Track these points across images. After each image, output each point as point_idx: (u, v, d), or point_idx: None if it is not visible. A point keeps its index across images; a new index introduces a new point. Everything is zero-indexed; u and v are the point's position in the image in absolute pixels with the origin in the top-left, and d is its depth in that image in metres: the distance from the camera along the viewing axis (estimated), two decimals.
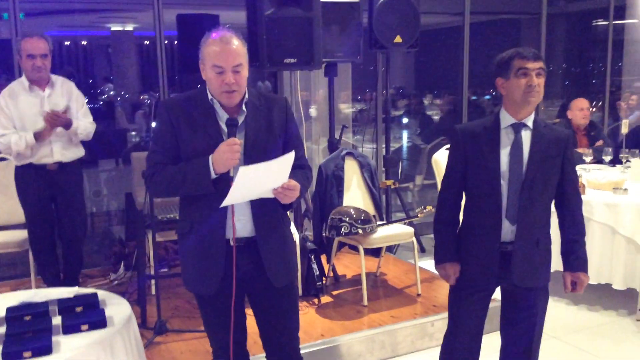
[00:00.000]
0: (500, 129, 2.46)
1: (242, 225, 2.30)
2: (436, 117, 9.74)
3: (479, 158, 2.45)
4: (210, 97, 2.28)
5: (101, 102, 11.34)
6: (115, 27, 11.46)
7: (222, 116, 2.28)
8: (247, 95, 2.31)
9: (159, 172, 2.27)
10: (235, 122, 2.23)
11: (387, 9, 4.73)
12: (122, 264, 4.73)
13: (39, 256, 4.04)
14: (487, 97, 10.69)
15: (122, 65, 11.75)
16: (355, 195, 4.41)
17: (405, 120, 10.20)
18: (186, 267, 2.41)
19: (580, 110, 5.29)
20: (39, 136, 3.81)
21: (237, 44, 2.22)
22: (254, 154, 2.26)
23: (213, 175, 2.19)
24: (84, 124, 4.00)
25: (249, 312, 2.53)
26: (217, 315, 2.42)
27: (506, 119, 2.45)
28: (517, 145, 2.43)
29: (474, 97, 10.25)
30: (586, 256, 2.56)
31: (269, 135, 2.32)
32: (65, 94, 3.96)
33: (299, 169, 2.38)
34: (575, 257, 2.53)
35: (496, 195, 2.43)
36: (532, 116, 2.47)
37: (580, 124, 5.31)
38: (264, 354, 2.60)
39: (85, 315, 2.30)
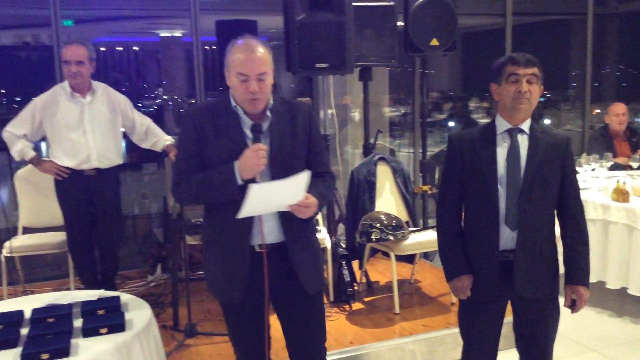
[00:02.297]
0: (497, 134, 2.41)
1: (269, 231, 2.30)
2: (484, 121, 9.54)
3: (476, 164, 2.40)
4: (234, 103, 2.29)
5: (155, 107, 11.60)
6: (164, 33, 11.72)
7: (246, 122, 2.29)
8: (271, 101, 2.31)
9: (185, 180, 2.28)
10: (259, 128, 2.24)
11: (423, 11, 4.65)
12: (159, 266, 4.81)
13: (77, 258, 4.14)
14: (541, 99, 10.42)
15: (171, 70, 12.02)
16: (387, 200, 4.35)
17: (451, 123, 10.04)
18: (211, 274, 2.42)
19: (616, 116, 5.12)
20: (36, 162, 3.97)
21: (262, 52, 2.22)
22: (278, 160, 2.26)
23: (239, 182, 2.19)
24: (159, 131, 4.19)
25: (271, 318, 2.51)
26: (243, 324, 2.42)
27: (502, 124, 2.41)
28: (513, 150, 2.38)
29: None
30: (588, 267, 2.46)
31: (293, 140, 2.32)
32: (106, 101, 4.03)
33: (321, 178, 2.37)
34: (576, 268, 2.44)
35: (493, 201, 2.36)
36: (529, 121, 2.41)
37: (617, 130, 5.13)
38: None
39: (106, 319, 2.33)
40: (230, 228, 2.28)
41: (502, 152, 2.38)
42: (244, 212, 2.15)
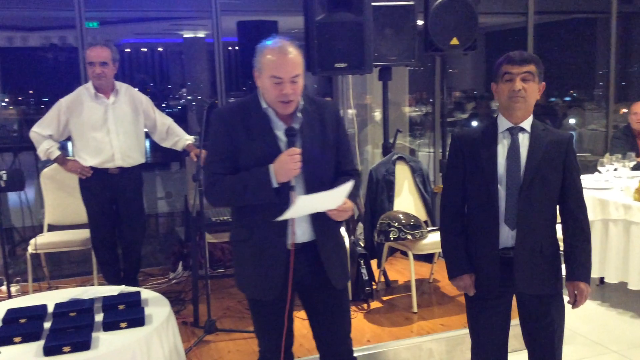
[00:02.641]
0: (498, 133, 2.41)
1: (302, 232, 2.34)
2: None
3: (477, 163, 2.41)
4: (264, 105, 2.29)
5: (179, 107, 11.73)
6: (188, 34, 11.84)
7: (277, 123, 2.30)
8: (301, 102, 2.32)
9: (218, 183, 2.30)
10: (294, 132, 2.26)
11: (443, 10, 4.64)
12: (180, 263, 4.88)
13: (100, 255, 4.22)
14: (567, 98, 10.30)
15: (194, 70, 12.14)
16: (406, 200, 4.36)
17: (474, 123, 9.98)
18: (244, 273, 2.43)
19: (635, 115, 5.07)
20: (61, 162, 4.06)
21: (294, 54, 2.23)
22: (310, 160, 2.27)
23: (275, 185, 2.22)
24: (180, 131, 4.25)
25: (297, 315, 2.56)
26: (272, 319, 2.45)
27: (503, 123, 2.41)
28: (514, 149, 2.37)
29: (552, 99, 9.90)
30: (589, 264, 2.45)
31: (323, 140, 2.35)
32: (129, 101, 4.10)
33: (349, 177, 2.38)
34: (576, 264, 2.43)
35: (493, 200, 2.37)
36: (530, 119, 2.40)
37: (638, 129, 5.09)
38: (312, 357, 2.62)
39: (126, 313, 2.39)
40: (263, 228, 2.31)
41: (502, 151, 2.39)
42: (285, 217, 2.20)
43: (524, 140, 2.39)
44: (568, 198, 2.42)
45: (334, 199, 2.22)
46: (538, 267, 2.40)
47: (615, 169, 4.79)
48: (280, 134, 2.29)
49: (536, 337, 2.51)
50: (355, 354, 3.30)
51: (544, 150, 2.36)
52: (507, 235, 2.39)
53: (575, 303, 2.45)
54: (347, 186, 2.21)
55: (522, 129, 2.39)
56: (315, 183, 2.28)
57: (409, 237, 3.86)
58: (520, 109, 2.34)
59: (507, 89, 2.33)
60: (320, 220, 2.33)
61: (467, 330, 3.60)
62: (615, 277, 4.17)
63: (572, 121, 9.07)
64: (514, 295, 2.54)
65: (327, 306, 2.47)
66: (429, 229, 4.08)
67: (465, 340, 3.62)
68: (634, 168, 4.84)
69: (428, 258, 4.50)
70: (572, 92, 9.97)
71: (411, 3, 4.51)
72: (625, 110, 7.58)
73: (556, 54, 9.99)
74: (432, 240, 3.98)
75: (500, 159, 2.38)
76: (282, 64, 2.18)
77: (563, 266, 2.50)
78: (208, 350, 3.54)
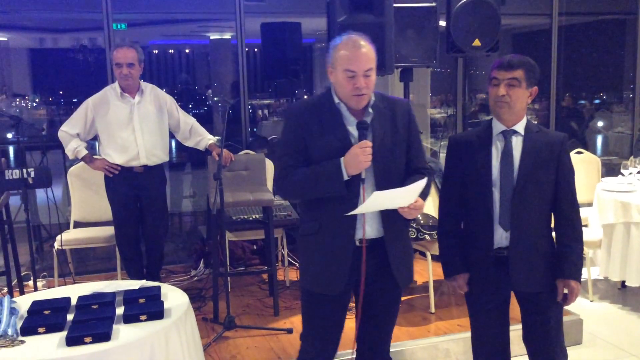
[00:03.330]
0: (492, 136, 2.43)
1: (371, 228, 2.37)
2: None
3: (472, 166, 2.44)
4: (337, 100, 2.35)
5: (205, 108, 11.86)
6: (214, 36, 11.98)
7: (349, 118, 2.35)
8: (372, 98, 2.36)
9: (289, 176, 2.36)
10: (366, 125, 2.30)
11: (465, 11, 4.63)
12: (202, 261, 4.95)
13: (124, 252, 4.32)
14: (597, 101, 10.17)
15: (220, 72, 12.27)
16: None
17: None
18: (309, 266, 2.47)
19: None
20: (88, 160, 4.16)
21: (367, 48, 2.29)
22: (380, 156, 2.31)
23: (345, 177, 2.26)
24: (203, 130, 4.31)
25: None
26: (330, 315, 2.47)
27: (497, 126, 2.44)
28: (507, 153, 2.40)
29: (581, 102, 9.78)
30: (580, 263, 2.47)
31: (394, 136, 2.38)
32: (153, 100, 4.19)
33: (421, 175, 2.40)
34: (567, 263, 2.44)
35: (487, 203, 2.41)
36: (524, 122, 2.42)
37: None
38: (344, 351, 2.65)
39: (146, 307, 2.45)
40: (333, 223, 2.35)
41: (496, 154, 2.41)
42: (357, 212, 2.24)
43: (517, 143, 2.41)
44: (561, 198, 2.44)
45: (406, 196, 2.24)
46: (533, 266, 2.44)
47: (639, 172, 4.73)
48: (352, 129, 2.33)
49: (534, 332, 2.54)
50: None
51: (537, 153, 2.39)
52: (501, 236, 2.43)
53: (565, 301, 2.47)
54: (421, 184, 2.23)
55: (516, 132, 2.41)
56: (385, 178, 2.31)
57: (427, 237, 3.87)
58: (504, 113, 2.37)
59: (493, 93, 2.37)
60: (389, 217, 2.35)
61: None
62: (636, 280, 4.12)
63: (599, 124, 8.95)
64: (513, 294, 2.58)
65: (385, 305, 2.50)
66: None
67: None
68: None
69: None
70: (601, 94, 9.83)
71: (433, 4, 4.51)
72: None
73: (584, 56, 9.87)
74: None
75: (495, 162, 2.41)
76: (355, 58, 2.24)
77: None
78: (227, 346, 3.60)
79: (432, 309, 3.97)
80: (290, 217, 4.35)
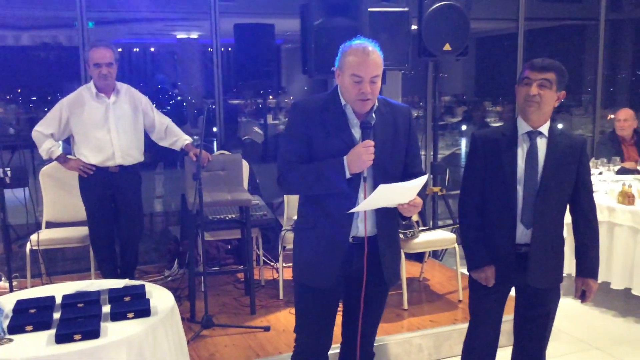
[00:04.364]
0: (518, 135, 2.52)
1: (367, 225, 2.43)
2: (497, 124, 9.61)
3: (497, 164, 2.52)
4: (343, 102, 2.41)
5: (168, 108, 11.76)
6: (181, 35, 11.89)
7: (353, 120, 2.41)
8: (376, 103, 2.43)
9: (292, 171, 2.41)
10: (369, 125, 2.37)
11: (436, 17, 4.77)
12: (176, 261, 4.96)
13: (98, 252, 4.30)
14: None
15: (187, 71, 12.18)
16: None
17: (464, 127, 10.13)
18: (302, 259, 2.54)
19: (618, 122, 5.26)
20: (62, 160, 4.13)
21: (376, 55, 2.35)
22: (381, 158, 2.38)
23: (348, 175, 2.33)
24: (178, 130, 4.31)
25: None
26: (324, 306, 2.54)
27: (522, 126, 2.52)
28: (532, 153, 2.49)
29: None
30: (597, 262, 2.59)
31: (394, 140, 2.45)
32: (129, 100, 4.19)
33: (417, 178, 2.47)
34: (586, 262, 2.57)
35: (512, 201, 2.50)
36: (548, 124, 2.51)
37: (622, 135, 5.27)
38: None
39: (132, 305, 2.48)
40: (329, 218, 2.41)
41: (522, 155, 2.50)
42: (361, 207, 2.30)
43: (541, 145, 2.50)
44: (581, 199, 2.55)
45: (408, 193, 2.31)
46: (548, 262, 2.54)
47: (600, 173, 4.94)
48: (355, 131, 2.40)
49: (529, 327, 2.65)
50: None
51: (560, 155, 2.49)
52: (522, 233, 2.53)
53: (584, 299, 2.60)
54: (422, 180, 2.31)
55: (541, 134, 2.50)
56: (384, 180, 2.36)
57: (401, 236, 3.97)
58: (533, 113, 2.45)
59: (524, 92, 2.44)
60: (383, 216, 2.43)
61: (455, 327, 3.78)
62: (599, 277, 4.29)
63: (559, 126, 9.22)
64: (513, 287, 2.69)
65: (373, 301, 2.56)
66: (420, 228, 4.20)
67: (453, 336, 3.76)
68: (619, 172, 5.00)
69: (419, 257, 4.63)
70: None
71: (406, 9, 4.62)
72: (612, 116, 7.76)
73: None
74: (424, 239, 4.11)
75: (520, 161, 2.50)
76: (363, 64, 2.30)
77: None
78: (205, 344, 3.63)
79: (405, 306, 4.08)
80: (266, 217, 4.40)
